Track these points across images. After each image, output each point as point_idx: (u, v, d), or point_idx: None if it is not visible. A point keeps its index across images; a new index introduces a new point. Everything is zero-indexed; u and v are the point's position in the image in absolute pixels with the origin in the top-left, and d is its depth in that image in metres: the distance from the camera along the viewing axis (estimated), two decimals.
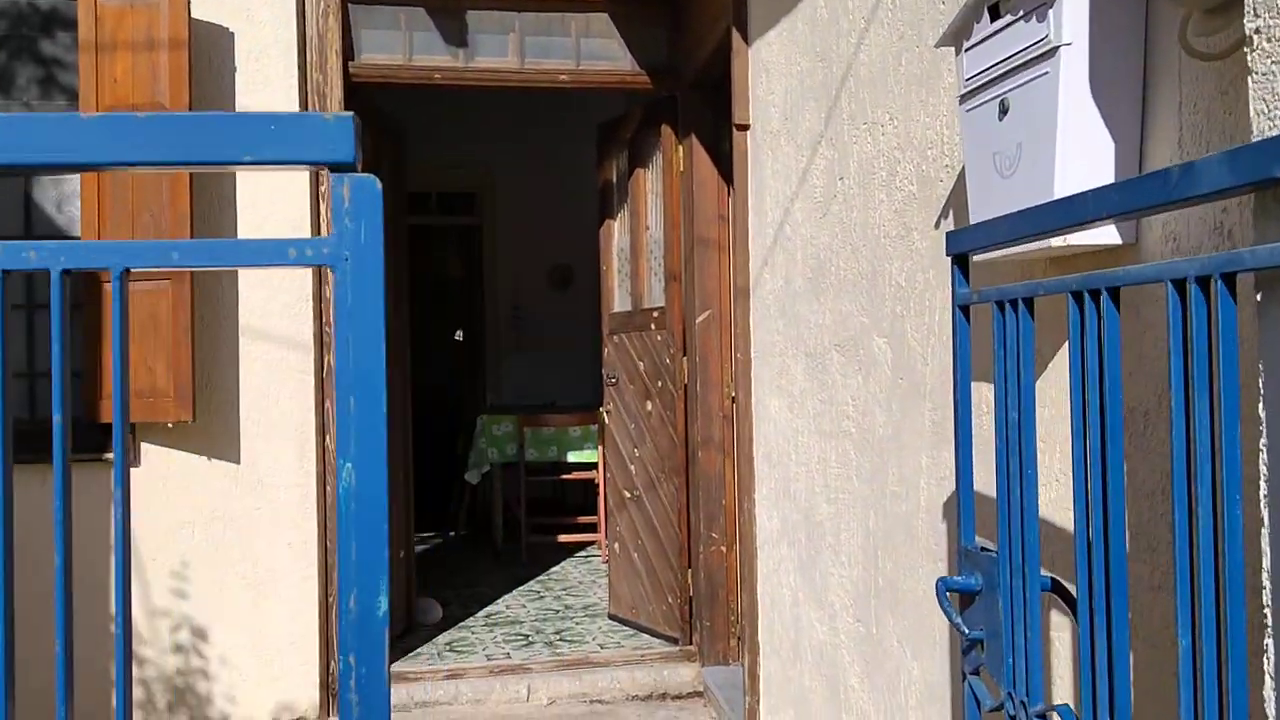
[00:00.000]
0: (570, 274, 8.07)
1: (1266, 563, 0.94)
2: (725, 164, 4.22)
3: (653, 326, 4.79)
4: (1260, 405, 0.94)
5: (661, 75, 4.59)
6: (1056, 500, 1.77)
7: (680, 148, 4.58)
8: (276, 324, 4.09)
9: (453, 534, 7.53)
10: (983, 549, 1.47)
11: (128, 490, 0.74)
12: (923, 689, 2.32)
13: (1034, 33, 1.56)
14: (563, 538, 6.75)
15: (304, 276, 4.09)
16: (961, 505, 1.53)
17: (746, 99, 3.51)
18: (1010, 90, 1.64)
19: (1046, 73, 1.54)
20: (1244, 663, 0.95)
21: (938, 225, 2.22)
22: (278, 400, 4.10)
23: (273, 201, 4.09)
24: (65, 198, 4.36)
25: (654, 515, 4.81)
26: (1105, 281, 1.12)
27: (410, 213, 5.72)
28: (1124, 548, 1.11)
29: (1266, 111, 1.06)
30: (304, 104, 4.08)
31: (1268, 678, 0.98)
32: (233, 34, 4.09)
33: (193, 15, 3.95)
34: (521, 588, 5.96)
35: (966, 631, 1.43)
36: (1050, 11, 1.51)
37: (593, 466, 6.63)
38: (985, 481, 1.77)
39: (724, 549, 4.43)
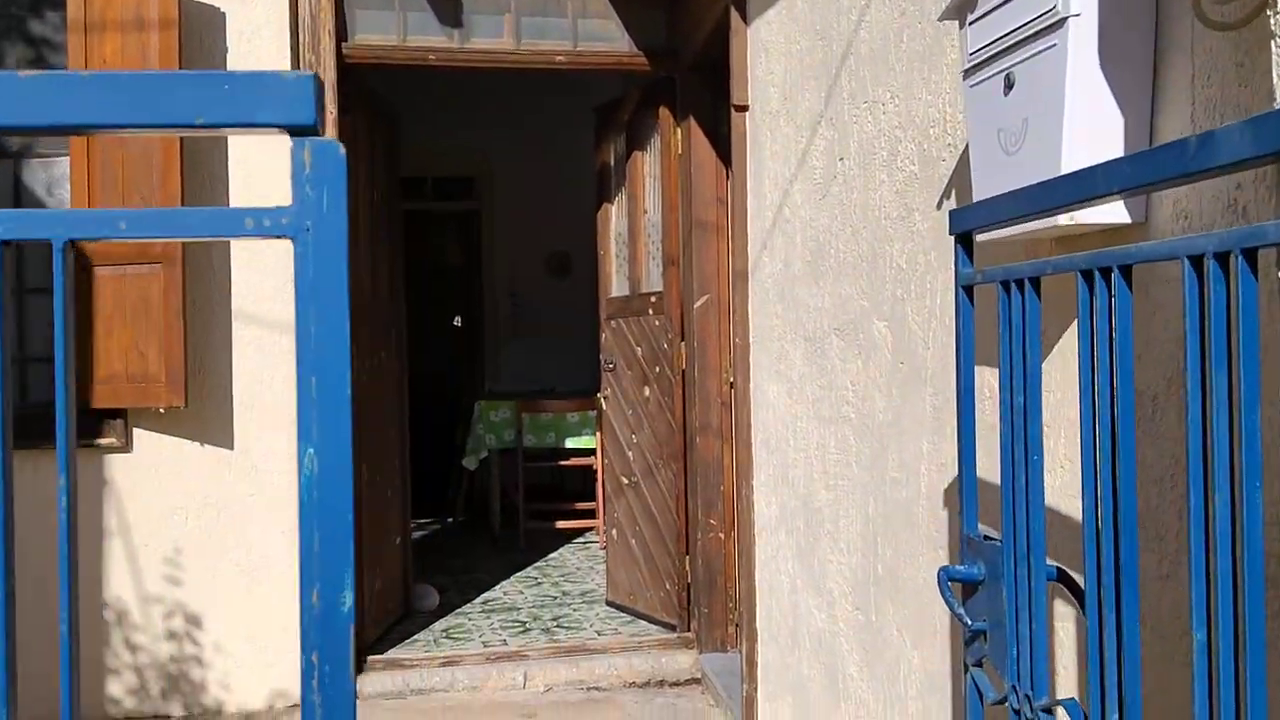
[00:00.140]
0: (569, 260, 8.01)
1: None
2: (724, 146, 4.16)
3: (650, 311, 4.74)
4: None
5: (659, 56, 4.52)
6: (1061, 487, 1.73)
7: (678, 130, 4.52)
8: (269, 307, 4.04)
9: (451, 520, 7.49)
10: (986, 537, 1.42)
11: (74, 477, 0.69)
12: (923, 678, 2.28)
13: (1041, 4, 1.51)
14: (561, 524, 6.71)
15: None
16: (964, 492, 1.49)
17: (745, 79, 3.45)
18: (1016, 64, 1.58)
19: (1054, 45, 1.49)
20: (1262, 656, 0.90)
21: (940, 205, 2.17)
22: (271, 385, 4.05)
23: (267, 181, 4.03)
24: (55, 180, 4.30)
25: (652, 502, 4.77)
26: (1117, 259, 1.07)
27: (406, 198, 5.67)
28: (1135, 536, 1.06)
29: None
30: None
31: None
32: (224, 14, 4.02)
33: None
34: (519, 574, 5.93)
35: (969, 622, 1.39)
36: None
37: (591, 452, 6.59)
38: (987, 468, 1.72)
39: (722, 535, 4.39)
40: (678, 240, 4.55)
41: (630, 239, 4.98)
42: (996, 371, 1.94)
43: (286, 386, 4.05)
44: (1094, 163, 1.31)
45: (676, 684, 4.32)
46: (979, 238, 1.61)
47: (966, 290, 1.46)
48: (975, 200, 1.71)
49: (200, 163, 4.00)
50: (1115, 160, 1.05)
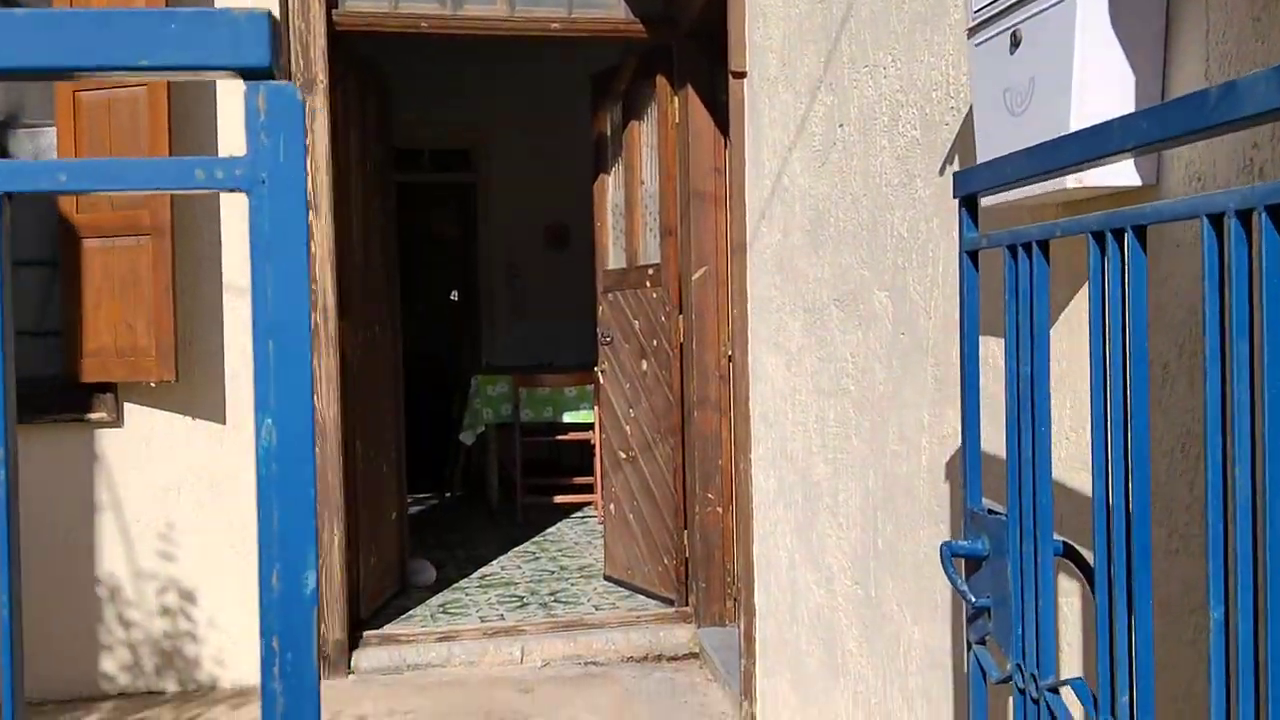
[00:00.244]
0: (566, 233, 7.94)
1: None
2: (722, 115, 4.09)
3: (648, 284, 4.68)
4: None
5: (657, 23, 4.44)
6: (1066, 459, 1.68)
7: (675, 99, 4.44)
8: None
9: (448, 496, 7.47)
10: (990, 511, 1.38)
11: (13, 447, 0.65)
12: (923, 654, 2.25)
13: None
14: (559, 499, 6.68)
15: None
16: (967, 465, 1.44)
17: (743, 45, 3.38)
18: (1023, 21, 1.53)
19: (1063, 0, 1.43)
20: None
21: (942, 171, 2.12)
22: None
23: None
24: (43, 150, 4.24)
25: (649, 476, 4.73)
26: (1130, 220, 1.01)
27: (400, 169, 5.60)
28: (1148, 510, 1.01)
29: None
30: (285, 52, 3.94)
31: None
32: None
33: None
34: (517, 549, 5.90)
35: (973, 599, 1.34)
36: None
37: (589, 427, 6.55)
38: (989, 440, 1.67)
39: (720, 510, 4.35)
40: (675, 211, 4.48)
41: (627, 210, 4.91)
42: (999, 341, 1.89)
43: None
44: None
45: (674, 659, 4.29)
46: (983, 202, 1.56)
47: (971, 256, 1.40)
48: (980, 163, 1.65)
49: (189, 132, 3.93)
50: (1132, 115, 1.00)
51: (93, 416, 3.95)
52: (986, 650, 1.41)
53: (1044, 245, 1.20)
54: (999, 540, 1.31)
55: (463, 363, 8.28)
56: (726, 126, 3.80)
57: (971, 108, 1.84)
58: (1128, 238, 1.01)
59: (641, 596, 4.80)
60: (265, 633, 0.62)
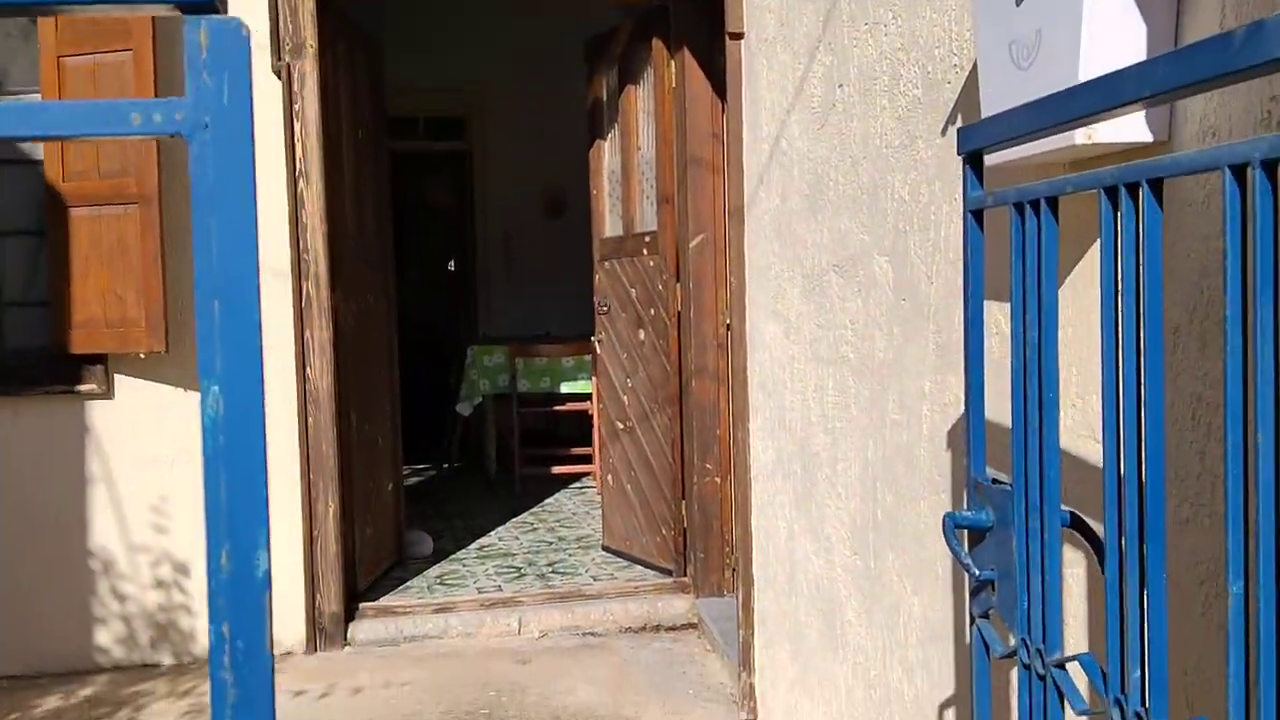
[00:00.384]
0: (563, 201, 7.85)
1: None
2: (719, 79, 4.01)
3: (645, 252, 4.62)
4: None
5: None
6: (1072, 427, 1.63)
7: (672, 63, 4.36)
8: None
9: (446, 467, 7.43)
10: (994, 481, 1.33)
11: None
12: (923, 626, 2.21)
13: None
14: (557, 470, 6.64)
15: (279, 198, 3.91)
16: (971, 433, 1.39)
17: (740, 5, 3.30)
18: None
19: None
20: None
21: (944, 132, 2.05)
22: None
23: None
24: None
25: (647, 446, 4.69)
26: (1145, 172, 0.96)
27: (394, 137, 5.51)
28: (1162, 479, 0.97)
29: None
30: (273, 14, 3.85)
31: None
32: None
33: None
34: (514, 520, 5.87)
35: (976, 572, 1.30)
36: None
37: (587, 397, 6.50)
38: (992, 408, 1.62)
39: (718, 480, 4.31)
40: (672, 177, 4.41)
41: (623, 177, 4.84)
42: (1002, 306, 1.83)
43: (275, 331, 3.94)
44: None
45: (673, 629, 4.27)
46: (986, 163, 1.50)
47: (975, 215, 1.35)
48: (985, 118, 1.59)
49: (175, 93, 3.85)
50: (1149, 60, 0.94)
51: (83, 388, 3.90)
52: (990, 624, 1.37)
53: (1053, 202, 1.14)
54: (1003, 511, 1.26)
55: (459, 333, 8.22)
56: (724, 91, 3.73)
57: (975, 64, 1.78)
58: (1143, 192, 0.96)
59: (639, 567, 4.77)
60: (214, 618, 0.57)
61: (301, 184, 3.92)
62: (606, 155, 5.03)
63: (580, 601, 4.35)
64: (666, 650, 4.07)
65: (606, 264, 4.94)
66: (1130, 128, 1.38)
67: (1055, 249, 1.16)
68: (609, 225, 5.00)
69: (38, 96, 3.95)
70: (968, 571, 1.33)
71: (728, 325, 4.07)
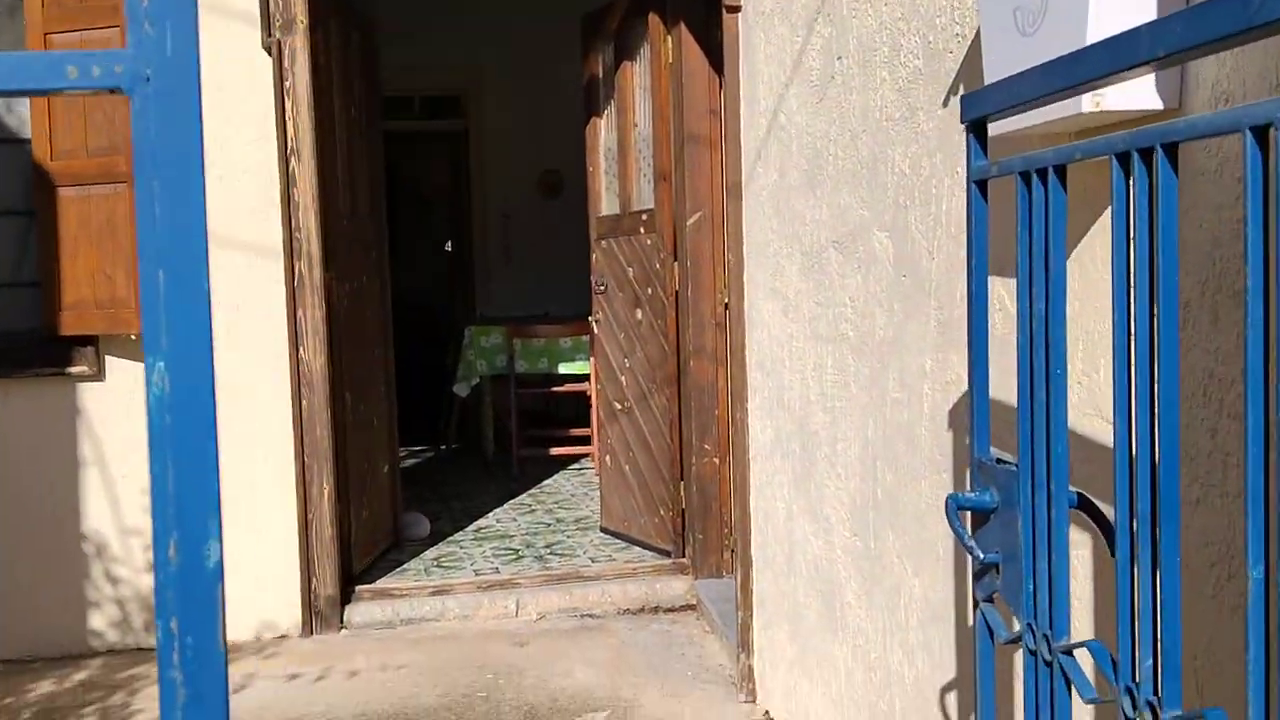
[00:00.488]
0: (560, 180, 7.79)
1: None
2: (717, 55, 3.95)
3: (642, 230, 4.57)
4: None
5: None
6: (1078, 404, 1.59)
7: (668, 38, 4.30)
8: (243, 229, 3.86)
9: (443, 448, 7.40)
10: (999, 461, 1.29)
11: None
12: (924, 608, 2.17)
13: None
14: (555, 451, 6.60)
15: (270, 176, 3.86)
16: (975, 411, 1.35)
17: None
18: None
19: None
20: None
21: (946, 103, 2.00)
22: (250, 310, 3.89)
23: (236, 91, 3.83)
24: (14, 101, 4.10)
25: (645, 427, 4.65)
26: (1160, 136, 0.91)
27: (390, 116, 5.45)
28: (1176, 458, 0.92)
29: None
30: None
31: None
32: None
33: None
34: (512, 501, 5.83)
35: (980, 555, 1.26)
36: None
37: (585, 378, 6.46)
38: (996, 385, 1.58)
39: (717, 460, 4.27)
40: (669, 155, 4.35)
41: (620, 155, 4.78)
42: (1005, 282, 1.79)
43: (267, 312, 3.89)
44: None
45: (671, 610, 4.24)
46: (990, 132, 1.45)
47: (979, 185, 1.30)
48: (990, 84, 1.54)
49: None
50: (1163, 19, 0.89)
51: (74, 370, 3.85)
52: (994, 608, 1.33)
53: (1061, 171, 1.10)
54: (1008, 492, 1.22)
55: (456, 313, 8.17)
56: (721, 67, 3.66)
57: (978, 31, 1.73)
58: (1158, 157, 0.91)
59: (638, 548, 4.74)
60: (162, 613, 0.53)
61: (293, 161, 3.87)
62: (603, 133, 4.97)
63: (578, 583, 4.32)
64: (665, 632, 4.04)
65: (603, 243, 4.88)
66: (1140, 94, 1.33)
67: (1063, 219, 1.12)
68: (606, 203, 4.94)
69: None
70: (971, 554, 1.29)
71: (725, 304, 4.02)
